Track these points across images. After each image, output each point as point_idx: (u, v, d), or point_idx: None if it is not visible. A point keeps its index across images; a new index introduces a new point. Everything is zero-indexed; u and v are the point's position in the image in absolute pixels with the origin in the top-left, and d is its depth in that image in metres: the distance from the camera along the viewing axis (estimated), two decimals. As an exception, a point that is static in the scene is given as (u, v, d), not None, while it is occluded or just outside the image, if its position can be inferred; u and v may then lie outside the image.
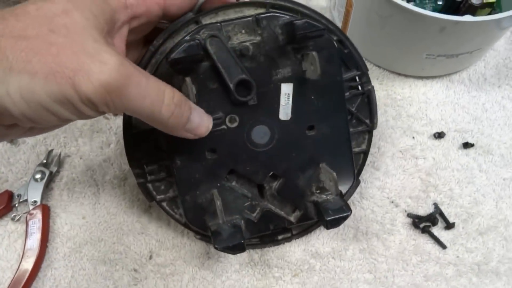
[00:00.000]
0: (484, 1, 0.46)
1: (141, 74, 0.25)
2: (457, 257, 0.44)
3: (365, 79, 0.39)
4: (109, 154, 0.47)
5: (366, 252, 0.44)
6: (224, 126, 0.35)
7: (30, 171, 0.46)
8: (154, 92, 0.26)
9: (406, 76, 0.51)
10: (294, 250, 0.44)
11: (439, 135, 0.48)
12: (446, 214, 0.45)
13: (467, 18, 0.40)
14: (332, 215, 0.36)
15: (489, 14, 0.48)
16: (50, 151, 0.46)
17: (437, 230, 0.45)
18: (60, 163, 0.46)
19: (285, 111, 0.36)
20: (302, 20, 0.33)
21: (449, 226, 0.44)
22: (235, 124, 0.36)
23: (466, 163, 0.47)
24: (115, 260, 0.43)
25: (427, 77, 0.51)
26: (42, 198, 0.45)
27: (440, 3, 0.50)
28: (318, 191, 0.38)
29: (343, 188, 0.39)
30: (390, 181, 0.46)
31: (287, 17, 0.34)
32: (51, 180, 0.46)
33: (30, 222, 0.43)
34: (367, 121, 0.40)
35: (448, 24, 0.40)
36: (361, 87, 0.39)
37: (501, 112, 0.49)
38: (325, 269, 0.43)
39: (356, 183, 0.41)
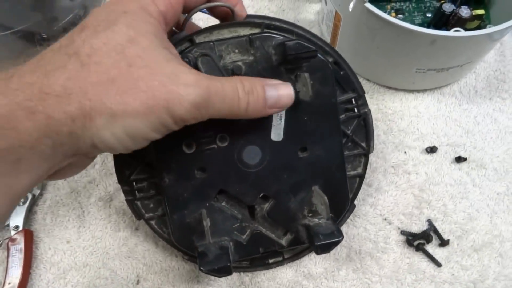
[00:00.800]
0: (473, 14, 0.45)
1: (214, 80, 0.27)
2: (452, 275, 0.43)
3: (362, 101, 0.39)
4: (94, 175, 0.46)
5: (359, 272, 0.43)
6: (214, 145, 0.35)
7: (12, 194, 0.45)
8: (229, 91, 0.27)
9: (396, 89, 0.50)
10: (286, 272, 0.42)
11: (431, 150, 0.47)
12: (440, 230, 0.44)
13: (456, 33, 0.40)
14: (323, 240, 0.34)
15: (478, 25, 0.48)
16: (33, 173, 0.45)
17: (432, 248, 0.44)
18: (43, 186, 0.45)
19: (277, 132, 0.35)
20: (293, 41, 0.32)
21: (443, 243, 0.43)
22: (226, 143, 0.35)
23: (459, 177, 0.46)
24: (101, 286, 0.42)
25: (418, 90, 0.50)
26: (25, 222, 0.43)
27: (429, 15, 0.49)
28: (310, 215, 0.37)
29: (338, 213, 0.38)
30: (382, 197, 0.45)
31: (281, 37, 0.34)
32: (34, 204, 0.44)
33: (12, 248, 0.42)
34: (363, 144, 0.39)
35: (437, 38, 0.40)
36: (357, 109, 0.39)
37: (493, 125, 0.49)
38: (318, 290, 0.42)
39: (351, 208, 0.40)
